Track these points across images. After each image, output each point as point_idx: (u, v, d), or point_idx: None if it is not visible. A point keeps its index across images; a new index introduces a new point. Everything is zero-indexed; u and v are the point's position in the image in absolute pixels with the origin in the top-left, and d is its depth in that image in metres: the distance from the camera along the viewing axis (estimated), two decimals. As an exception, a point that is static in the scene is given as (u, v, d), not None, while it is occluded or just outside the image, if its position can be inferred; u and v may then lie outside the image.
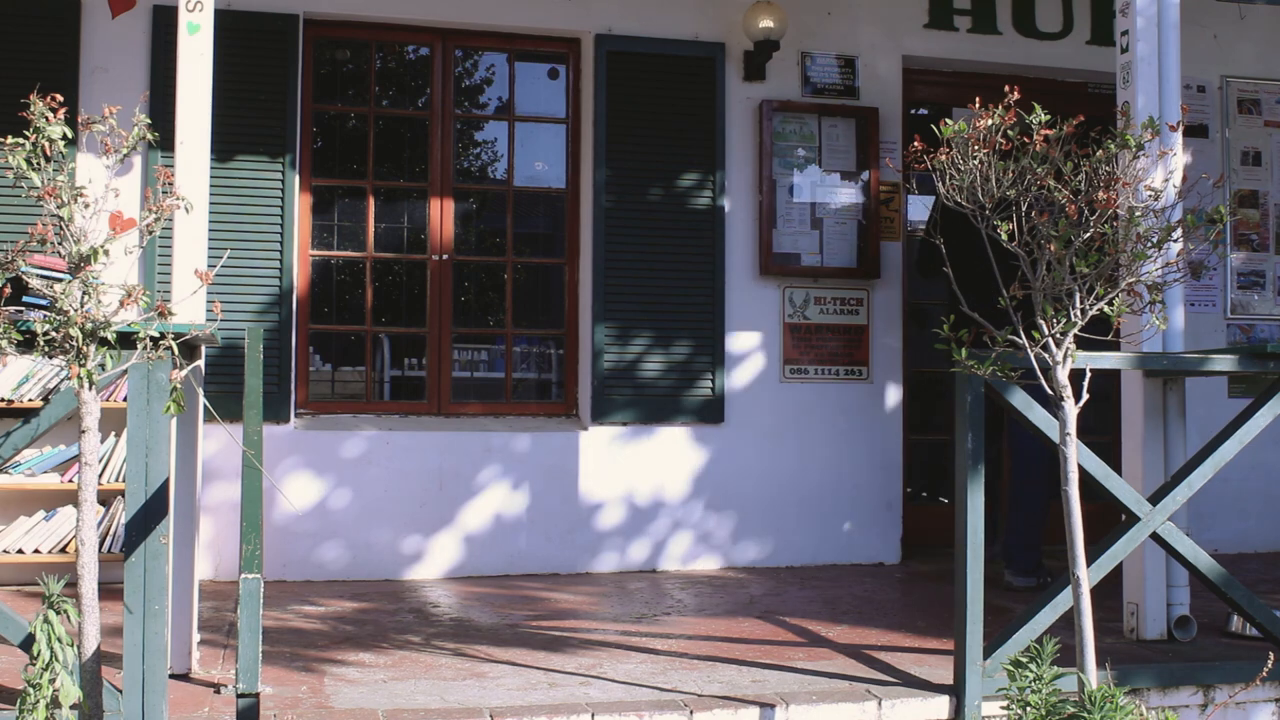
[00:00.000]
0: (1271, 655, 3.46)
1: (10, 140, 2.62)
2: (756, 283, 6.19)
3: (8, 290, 2.83)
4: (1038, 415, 3.67)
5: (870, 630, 4.59)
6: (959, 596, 3.61)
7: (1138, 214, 3.18)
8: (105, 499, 4.99)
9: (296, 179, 5.73)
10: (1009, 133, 3.13)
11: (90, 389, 2.66)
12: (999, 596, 5.02)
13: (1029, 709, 3.04)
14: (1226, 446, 3.92)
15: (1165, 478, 4.20)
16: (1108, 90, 5.99)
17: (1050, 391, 3.18)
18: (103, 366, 2.70)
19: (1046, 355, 3.14)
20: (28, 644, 3.03)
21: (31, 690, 2.64)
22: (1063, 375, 3.15)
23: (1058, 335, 3.13)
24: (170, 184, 2.84)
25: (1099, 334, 3.17)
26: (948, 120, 3.19)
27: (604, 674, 3.82)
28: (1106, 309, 3.12)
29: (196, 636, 3.82)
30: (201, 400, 3.75)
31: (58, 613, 2.69)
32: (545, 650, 4.17)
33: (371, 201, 6.11)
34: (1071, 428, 3.16)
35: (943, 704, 3.60)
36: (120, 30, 5.46)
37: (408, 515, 5.74)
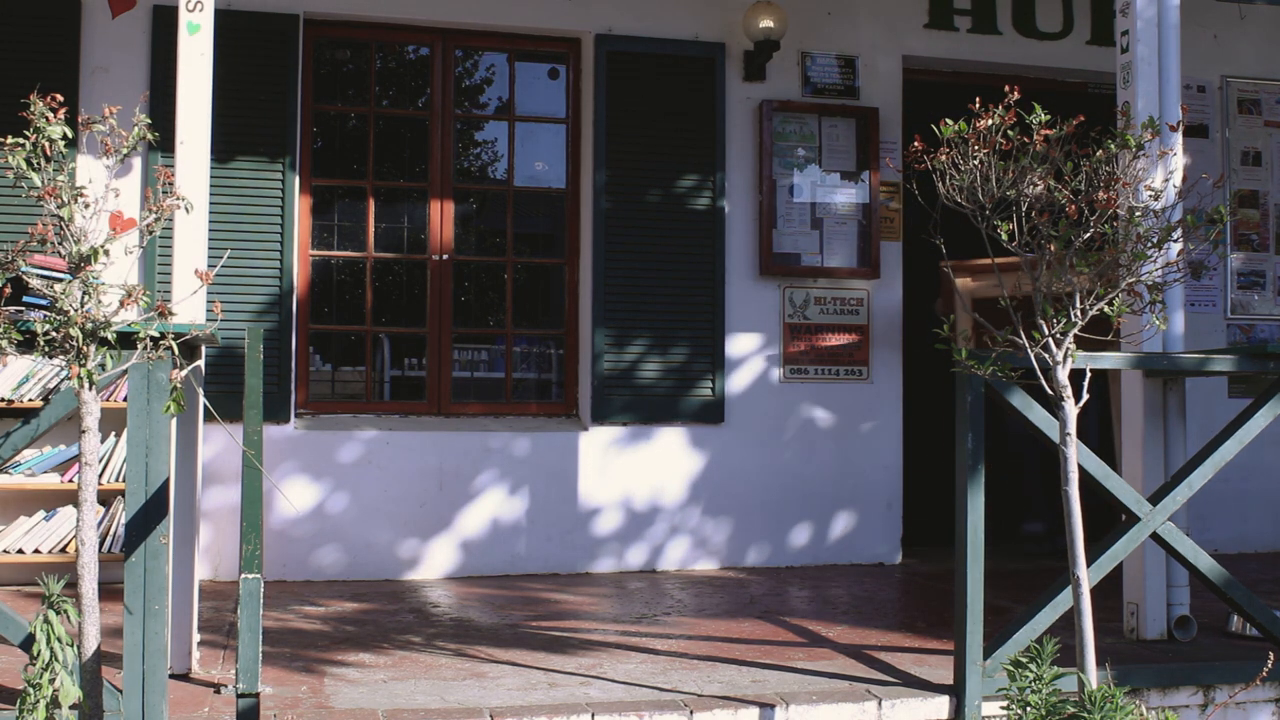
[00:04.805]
0: (1271, 655, 3.46)
1: (10, 140, 2.62)
2: (756, 283, 6.19)
3: (8, 290, 2.83)
4: (1037, 415, 3.67)
5: (870, 630, 4.59)
6: (959, 596, 3.61)
7: (1138, 214, 3.18)
8: (105, 499, 4.99)
9: (296, 179, 5.73)
10: (1009, 133, 3.13)
11: (90, 389, 2.66)
12: (999, 596, 5.01)
13: (1029, 709, 3.04)
14: (1226, 446, 3.91)
15: (1165, 478, 4.20)
16: (1108, 90, 5.99)
17: (1050, 391, 3.18)
18: (103, 366, 2.69)
19: (1046, 355, 3.14)
20: (28, 644, 3.03)
21: (31, 690, 2.64)
22: (1063, 375, 3.15)
23: (1058, 335, 3.13)
24: (170, 184, 2.84)
25: (1099, 334, 3.17)
26: (948, 120, 3.19)
27: (604, 674, 3.82)
28: (1106, 309, 3.12)
29: (196, 636, 3.82)
30: (201, 400, 3.75)
31: (58, 613, 2.69)
32: (545, 650, 4.17)
33: (371, 202, 6.11)
34: (1071, 428, 3.16)
35: (943, 704, 3.60)
36: (120, 30, 5.46)
37: (408, 516, 5.74)
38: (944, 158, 3.18)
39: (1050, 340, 3.13)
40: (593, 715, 3.37)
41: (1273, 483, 6.58)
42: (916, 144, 3.27)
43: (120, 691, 3.14)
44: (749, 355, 6.18)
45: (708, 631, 4.52)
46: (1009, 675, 3.14)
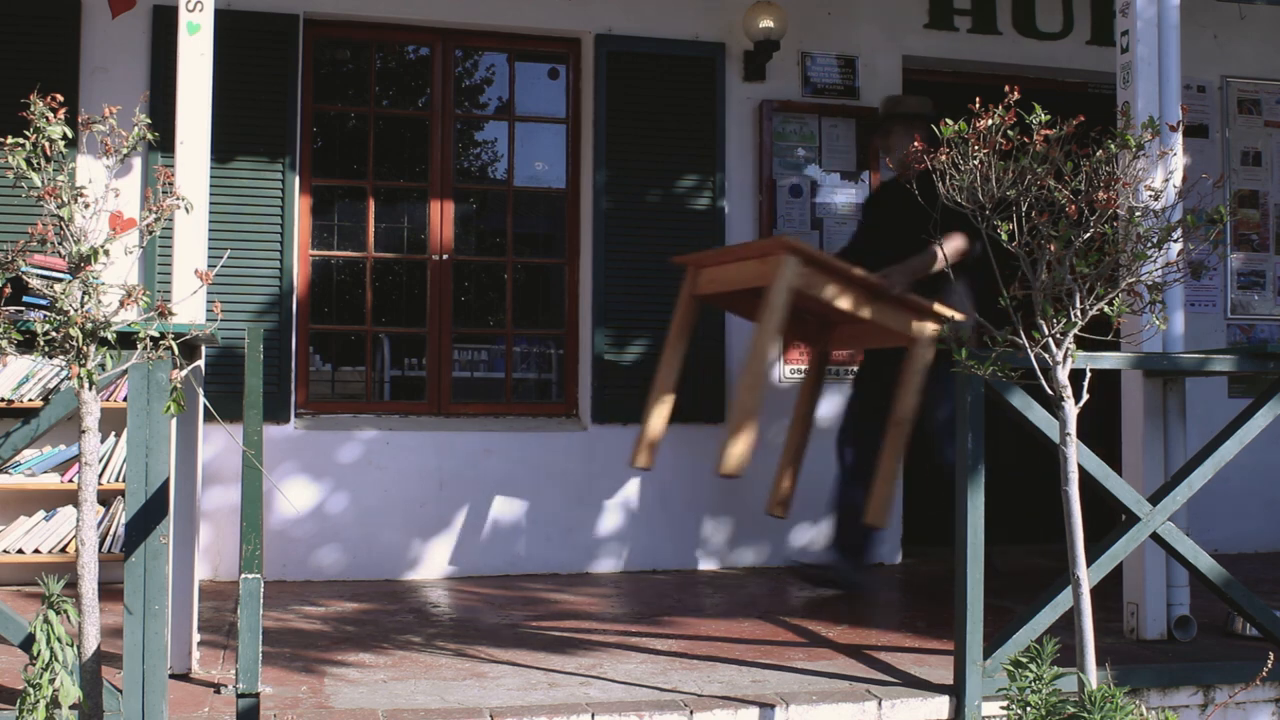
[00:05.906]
0: (1271, 655, 3.46)
1: (10, 140, 2.61)
2: (756, 283, 6.18)
3: (8, 290, 2.83)
4: (1037, 415, 3.67)
5: (870, 630, 4.59)
6: (959, 596, 3.61)
7: (1138, 214, 3.18)
8: (105, 499, 4.99)
9: (296, 179, 5.73)
10: (1009, 133, 3.13)
11: (90, 389, 2.66)
12: (999, 597, 5.01)
13: (1029, 709, 3.04)
14: (1226, 446, 3.91)
15: (1165, 478, 4.20)
16: (1108, 90, 5.99)
17: (1050, 391, 3.18)
18: (103, 366, 2.69)
19: (1046, 355, 3.14)
20: (28, 644, 3.03)
21: (31, 690, 2.64)
22: (1063, 375, 3.15)
23: (1058, 335, 3.13)
24: (170, 184, 2.84)
25: (1099, 334, 3.17)
26: (948, 120, 3.19)
27: (604, 674, 3.82)
28: (1106, 309, 3.12)
29: (196, 636, 3.82)
30: (201, 400, 3.75)
31: (58, 613, 2.69)
32: (545, 650, 4.17)
33: (371, 202, 6.11)
34: (1071, 428, 3.16)
35: (943, 704, 3.60)
36: (120, 30, 5.46)
37: (408, 515, 5.74)
38: (944, 158, 3.18)
39: (1050, 340, 3.13)
40: (593, 715, 3.37)
41: (1273, 483, 6.58)
42: (916, 144, 3.27)
43: (120, 691, 3.14)
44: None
45: (708, 631, 4.52)
46: (1009, 675, 3.14)
